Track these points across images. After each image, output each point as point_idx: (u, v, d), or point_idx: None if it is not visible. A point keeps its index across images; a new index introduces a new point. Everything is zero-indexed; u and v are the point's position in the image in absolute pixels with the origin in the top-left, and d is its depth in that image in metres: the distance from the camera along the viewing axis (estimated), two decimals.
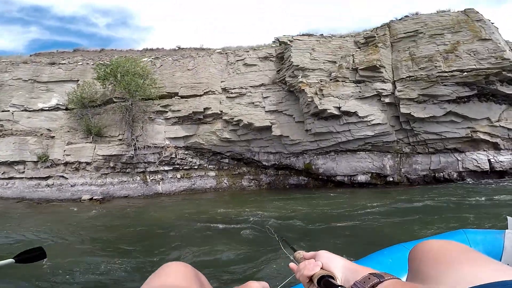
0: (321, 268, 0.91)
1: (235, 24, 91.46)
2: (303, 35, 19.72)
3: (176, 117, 19.14)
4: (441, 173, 17.02)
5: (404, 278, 1.03)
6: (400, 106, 16.84)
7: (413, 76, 16.85)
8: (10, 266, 2.17)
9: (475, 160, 16.70)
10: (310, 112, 17.82)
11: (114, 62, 18.19)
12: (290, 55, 18.62)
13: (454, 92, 16.04)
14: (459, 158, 16.94)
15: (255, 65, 20.22)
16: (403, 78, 17.12)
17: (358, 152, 18.42)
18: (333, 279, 0.84)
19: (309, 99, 17.60)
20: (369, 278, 0.76)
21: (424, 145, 17.40)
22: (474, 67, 15.77)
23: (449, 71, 16.10)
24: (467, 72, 15.82)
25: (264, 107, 19.25)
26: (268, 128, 19.00)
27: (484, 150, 16.84)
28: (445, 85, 16.16)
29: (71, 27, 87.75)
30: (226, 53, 21.04)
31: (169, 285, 0.94)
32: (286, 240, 1.51)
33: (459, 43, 16.52)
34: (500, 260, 1.49)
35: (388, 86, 17.29)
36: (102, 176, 17.97)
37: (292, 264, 1.11)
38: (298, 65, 18.22)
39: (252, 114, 19.08)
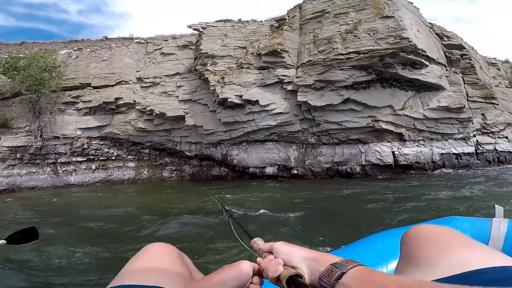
0: (284, 265, 0.79)
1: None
2: (219, 21, 18.08)
3: (88, 107, 17.99)
4: (344, 166, 15.21)
5: (394, 264, 1.08)
6: (298, 93, 15.06)
7: (312, 60, 15.03)
8: (1, 247, 2.05)
9: (378, 152, 14.80)
10: (216, 101, 16.38)
11: (14, 57, 17.39)
12: (200, 42, 17.14)
13: (350, 77, 14.09)
14: (362, 150, 15.07)
15: (172, 54, 18.77)
16: (304, 63, 15.33)
17: (266, 143, 16.80)
18: (301, 277, 0.74)
19: (211, 88, 16.16)
20: (332, 271, 0.67)
21: (328, 135, 15.61)
22: (371, 48, 13.75)
23: (345, 53, 14.15)
24: (363, 53, 13.85)
25: (177, 96, 17.88)
26: (183, 118, 17.68)
27: (389, 142, 14.92)
28: (341, 69, 14.21)
29: (40, 14, 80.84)
30: (146, 43, 19.66)
31: (153, 265, 0.87)
32: (239, 223, 1.35)
33: (360, 22, 14.48)
34: None
35: (291, 72, 15.49)
36: (9, 167, 17.14)
37: (259, 260, 0.89)
38: (207, 52, 16.72)
39: (165, 104, 17.75)
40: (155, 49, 19.05)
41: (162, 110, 17.50)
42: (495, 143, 16.04)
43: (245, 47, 16.84)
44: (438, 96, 14.50)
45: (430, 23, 18.28)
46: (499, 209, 1.66)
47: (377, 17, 14.17)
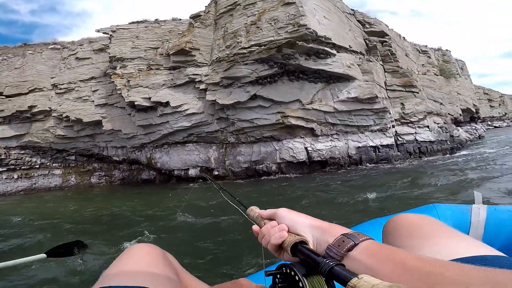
0: (288, 232, 0.72)
1: None
2: (132, 22, 16.61)
3: (0, 117, 16.48)
4: (261, 165, 14.02)
5: None
6: (207, 92, 13.80)
7: (219, 57, 13.72)
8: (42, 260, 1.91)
9: (291, 149, 13.62)
10: (128, 104, 15.01)
11: None
12: (109, 46, 15.69)
13: (254, 72, 12.81)
14: (276, 148, 13.89)
15: (88, 58, 17.25)
16: (213, 60, 14.03)
17: (186, 144, 15.54)
18: (306, 244, 0.67)
19: (118, 92, 14.77)
20: (343, 241, 0.62)
21: (244, 134, 14.37)
22: (272, 38, 12.49)
23: (248, 47, 12.87)
24: (263, 46, 12.57)
25: (93, 101, 16.42)
26: (100, 123, 16.28)
27: (301, 137, 13.74)
28: (245, 64, 12.92)
29: None
30: (63, 48, 18.04)
31: (136, 265, 0.79)
32: (231, 194, 1.22)
33: (264, 12, 13.17)
34: (468, 234, 1.31)
35: (204, 71, 14.19)
36: None
37: (255, 227, 0.83)
38: (115, 56, 15.30)
39: (81, 109, 16.33)
40: (70, 54, 17.49)
41: (78, 116, 16.13)
42: (415, 133, 14.99)
43: (158, 48, 15.45)
44: (348, 87, 13.33)
45: (352, 9, 17.06)
46: (477, 195, 1.56)
47: (279, 4, 12.89)
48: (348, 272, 0.52)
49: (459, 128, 20.52)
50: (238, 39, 13.18)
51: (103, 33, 16.10)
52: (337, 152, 13.71)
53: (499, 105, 44.44)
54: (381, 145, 14.24)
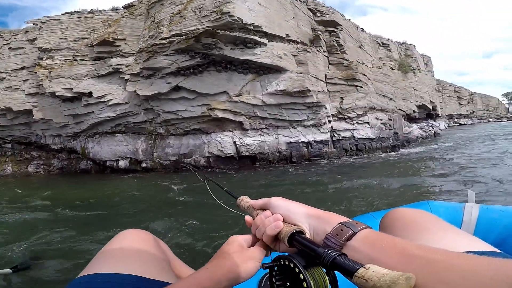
0: (283, 221, 0.66)
1: None
2: (65, 13, 15.10)
3: None
4: (189, 159, 12.67)
5: None
6: (128, 83, 12.40)
7: (142, 47, 12.28)
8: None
9: (219, 143, 12.29)
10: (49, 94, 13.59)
11: None
12: (35, 37, 14.25)
13: (174, 63, 11.42)
14: (205, 141, 12.55)
15: (21, 48, 15.64)
16: (137, 51, 12.60)
17: (116, 135, 14.15)
18: (303, 234, 0.63)
19: (40, 83, 13.33)
20: (341, 230, 0.58)
21: (173, 125, 13.01)
22: (194, 28, 11.03)
23: (168, 37, 11.42)
24: (184, 35, 11.11)
25: (24, 90, 14.95)
26: (31, 112, 14.83)
27: (230, 131, 12.39)
28: (165, 54, 11.53)
29: None
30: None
31: (126, 252, 0.75)
32: (218, 184, 1.07)
33: (192, 0, 11.67)
34: None
35: (129, 61, 12.77)
36: None
37: (248, 218, 0.77)
38: (41, 47, 13.93)
39: (11, 99, 14.87)
40: (4, 44, 15.90)
41: (8, 105, 14.73)
42: (353, 129, 13.69)
43: (87, 38, 13.98)
44: (279, 79, 11.92)
45: None
46: (471, 194, 1.52)
47: None
48: (353, 262, 0.49)
49: (413, 125, 19.28)
50: (160, 29, 11.74)
51: (33, 24, 14.62)
52: (266, 148, 12.41)
53: (468, 103, 43.39)
54: (315, 141, 12.96)
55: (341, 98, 13.75)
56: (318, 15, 15.39)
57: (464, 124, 37.41)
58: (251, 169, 11.99)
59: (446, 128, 27.87)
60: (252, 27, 11.19)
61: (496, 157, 10.85)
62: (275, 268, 0.63)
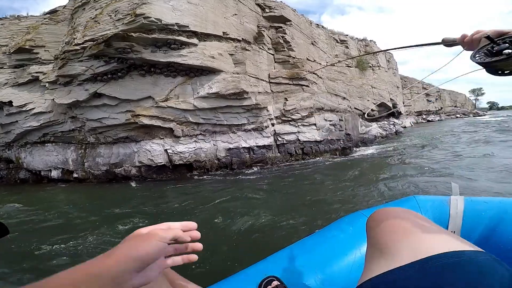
0: None
1: None
2: None
3: None
4: (120, 168, 11.16)
5: (365, 245, 1.00)
6: (45, 92, 10.85)
7: (58, 53, 10.73)
8: None
9: (149, 151, 10.81)
10: None
11: None
12: None
13: (89, 69, 9.94)
14: (135, 149, 11.05)
15: None
16: (54, 57, 11.05)
17: (46, 144, 12.57)
18: None
19: None
20: None
21: (102, 133, 11.47)
22: (108, 32, 9.51)
23: (81, 43, 9.91)
24: (96, 40, 9.59)
25: None
26: None
27: (161, 138, 10.91)
28: (80, 60, 10.04)
29: None
30: None
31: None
32: None
33: (109, 4, 10.17)
34: (448, 226, 1.33)
35: (49, 68, 11.25)
36: None
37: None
38: None
39: None
40: None
41: None
42: (298, 132, 12.35)
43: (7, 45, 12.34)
44: (212, 81, 10.46)
45: None
46: (455, 186, 1.48)
47: None
48: None
49: (372, 124, 18.10)
50: (75, 35, 10.18)
51: None
52: (203, 155, 10.97)
53: (436, 99, 42.73)
54: (257, 146, 11.57)
55: (285, 99, 12.39)
56: (267, 10, 13.98)
57: (432, 121, 36.62)
58: (186, 178, 10.59)
59: (412, 125, 26.94)
60: (176, 27, 9.73)
61: (441, 156, 9.69)
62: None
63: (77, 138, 12.06)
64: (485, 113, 75.59)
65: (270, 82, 12.29)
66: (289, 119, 12.26)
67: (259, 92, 11.42)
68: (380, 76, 20.46)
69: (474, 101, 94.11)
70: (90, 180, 11.72)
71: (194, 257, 0.65)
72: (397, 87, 23.63)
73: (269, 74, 12.34)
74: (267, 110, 11.72)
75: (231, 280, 1.19)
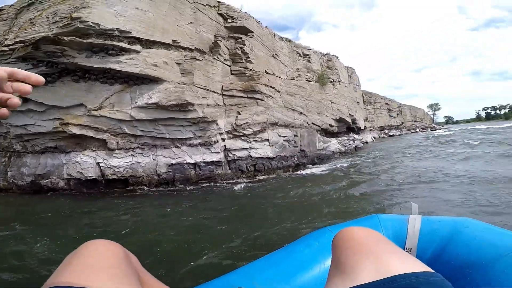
0: None
1: None
2: None
3: None
4: (46, 180, 9.67)
5: (330, 261, 1.02)
6: None
7: None
8: None
9: (79, 164, 9.44)
10: None
11: None
12: None
13: None
14: (64, 161, 9.65)
15: None
16: None
17: None
18: None
19: None
20: None
21: (29, 141, 9.98)
22: (42, 34, 8.21)
23: (11, 44, 8.55)
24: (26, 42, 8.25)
25: None
26: None
27: (93, 150, 9.58)
28: (7, 62, 8.65)
29: None
30: None
31: (96, 264, 0.63)
32: None
33: (51, 6, 8.91)
34: (405, 244, 1.37)
35: None
36: None
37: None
38: None
39: None
40: None
41: None
42: (250, 148, 11.44)
43: None
44: (153, 91, 9.31)
45: (218, 1, 13.07)
46: (414, 206, 1.52)
47: None
48: None
49: (331, 139, 17.59)
50: (8, 35, 8.81)
51: None
52: (140, 170, 9.76)
53: (397, 114, 43.74)
54: (204, 162, 10.51)
55: (238, 112, 11.47)
56: (229, 20, 13.06)
57: (393, 136, 37.22)
58: (119, 194, 9.30)
59: (373, 140, 26.96)
60: (117, 32, 8.59)
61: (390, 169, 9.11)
62: None
63: (2, 145, 10.48)
64: (441, 127, 78.99)
65: (223, 95, 11.34)
66: (241, 134, 11.34)
67: (208, 105, 10.43)
68: (340, 91, 20.09)
69: (432, 116, 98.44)
70: (13, 190, 10.17)
71: (5, 112, 0.54)
72: (357, 102, 23.46)
73: (222, 86, 11.38)
74: (217, 124, 10.74)
75: None
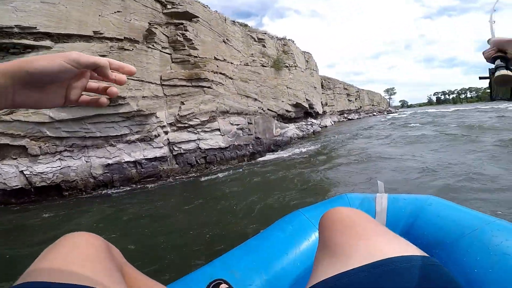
0: None
1: None
2: None
3: None
4: None
5: (306, 243, 1.24)
6: None
7: None
8: None
9: (1, 174, 7.93)
10: None
11: None
12: None
13: None
14: None
15: None
16: None
17: None
18: None
19: None
20: None
21: None
22: None
23: None
24: None
25: None
26: None
27: (14, 158, 8.12)
28: None
29: None
30: None
31: (76, 258, 0.58)
32: None
33: None
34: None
35: None
36: None
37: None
38: None
39: None
40: None
41: None
42: (198, 139, 10.42)
43: None
44: None
45: None
46: (380, 184, 1.51)
47: None
48: None
49: (289, 125, 16.94)
50: None
51: None
52: (73, 174, 8.45)
53: (356, 99, 44.39)
54: (146, 159, 9.35)
55: (182, 102, 10.38)
56: (169, 6, 11.80)
57: (352, 119, 37.57)
58: (53, 201, 8.03)
59: (332, 124, 26.81)
60: (16, 29, 7.19)
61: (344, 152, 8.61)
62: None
63: None
64: (396, 110, 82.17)
65: (162, 85, 10.17)
66: (186, 125, 10.28)
67: (143, 97, 9.26)
68: (296, 76, 19.43)
69: (388, 100, 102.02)
70: None
71: (104, 100, 0.56)
72: (315, 87, 23.02)
73: (161, 76, 10.22)
74: (157, 117, 9.60)
75: (177, 284, 1.11)
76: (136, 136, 9.28)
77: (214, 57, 12.52)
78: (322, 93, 30.32)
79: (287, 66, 18.80)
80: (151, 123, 9.47)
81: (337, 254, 0.59)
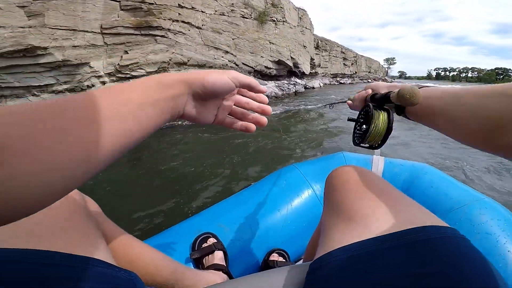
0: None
1: None
2: None
3: None
4: None
5: (300, 199, 1.14)
6: None
7: None
8: None
9: None
10: None
11: None
12: None
13: None
14: None
15: None
16: None
17: None
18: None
19: None
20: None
21: None
22: None
23: None
24: None
25: None
26: None
27: None
28: None
29: None
30: None
31: (39, 217, 0.46)
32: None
33: None
34: None
35: None
36: None
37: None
38: None
39: None
40: None
41: None
42: None
43: None
44: None
45: None
46: None
47: None
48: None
49: (267, 82, 15.01)
50: None
51: None
52: None
53: (352, 64, 41.34)
54: None
55: (126, 52, 8.45)
56: None
57: (344, 84, 34.98)
58: None
59: (320, 86, 24.60)
60: None
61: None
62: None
63: None
64: (392, 80, 78.10)
65: (103, 33, 8.16)
66: (128, 75, 8.47)
67: (74, 46, 7.36)
68: (282, 31, 16.94)
69: (386, 69, 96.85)
70: None
71: (252, 126, 0.51)
72: (304, 46, 20.47)
73: (101, 25, 8.16)
74: (90, 66, 7.77)
75: (162, 236, 1.00)
76: (65, 86, 7.55)
77: (179, 4, 10.26)
78: (316, 54, 27.67)
79: (273, 20, 16.29)
80: (83, 72, 7.68)
81: (356, 220, 0.50)
